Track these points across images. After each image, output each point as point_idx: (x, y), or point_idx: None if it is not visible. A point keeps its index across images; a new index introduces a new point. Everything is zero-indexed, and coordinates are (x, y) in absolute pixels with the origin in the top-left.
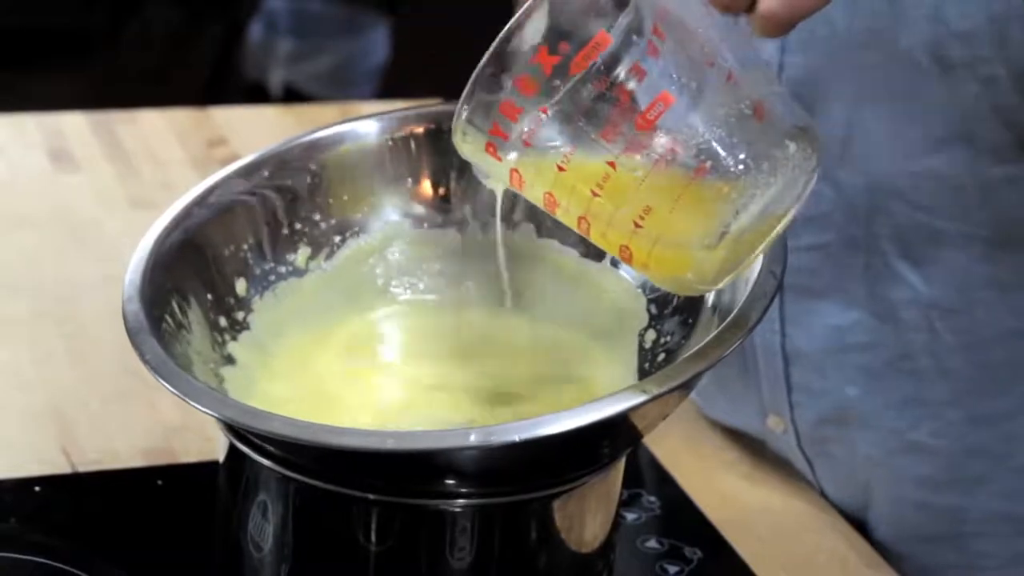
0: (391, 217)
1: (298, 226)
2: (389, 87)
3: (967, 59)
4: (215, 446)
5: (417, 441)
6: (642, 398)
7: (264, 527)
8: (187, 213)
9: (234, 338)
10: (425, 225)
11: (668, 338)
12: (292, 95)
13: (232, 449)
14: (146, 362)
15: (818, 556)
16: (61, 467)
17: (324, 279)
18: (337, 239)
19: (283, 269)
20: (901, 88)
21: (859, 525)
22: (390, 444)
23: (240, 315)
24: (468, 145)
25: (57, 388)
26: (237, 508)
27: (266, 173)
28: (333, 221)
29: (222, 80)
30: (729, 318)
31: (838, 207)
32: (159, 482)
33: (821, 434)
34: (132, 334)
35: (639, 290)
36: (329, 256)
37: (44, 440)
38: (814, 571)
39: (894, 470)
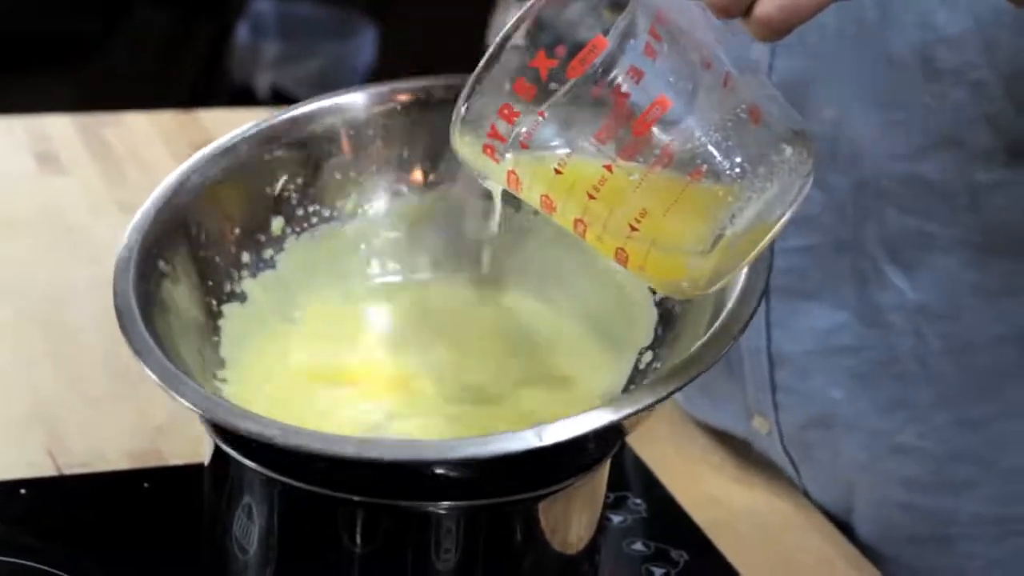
0: (378, 195)
1: (289, 201)
2: None
3: (956, 64)
4: (202, 448)
5: (392, 451)
6: (630, 410)
7: (249, 529)
8: (174, 190)
9: (215, 334)
10: (414, 203)
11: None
12: (280, 98)
13: (217, 451)
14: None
15: (804, 558)
16: (47, 470)
17: (304, 259)
18: (323, 214)
19: (271, 251)
20: (890, 92)
21: (844, 526)
22: (350, 451)
23: (226, 296)
24: (466, 147)
25: (44, 391)
26: (222, 510)
27: (262, 144)
28: (318, 196)
29: (210, 83)
30: (717, 322)
31: (826, 209)
32: (145, 485)
33: (806, 436)
34: (122, 322)
35: (653, 304)
36: (308, 232)
37: (30, 443)
38: (800, 573)
39: (879, 472)
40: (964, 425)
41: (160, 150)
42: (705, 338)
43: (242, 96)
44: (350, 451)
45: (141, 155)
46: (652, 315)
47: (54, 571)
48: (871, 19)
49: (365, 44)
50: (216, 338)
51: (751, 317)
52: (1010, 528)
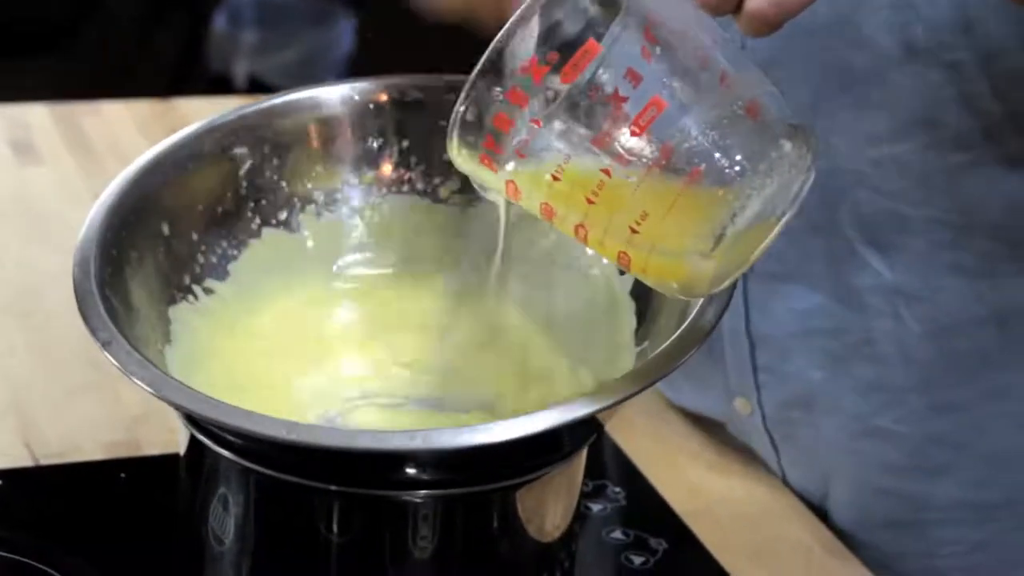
0: (349, 191)
1: (256, 193)
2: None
3: (932, 44)
4: (178, 438)
5: (360, 440)
6: (609, 401)
7: (225, 519)
8: (142, 175)
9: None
10: (390, 195)
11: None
12: (257, 87)
13: (192, 440)
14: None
15: (782, 545)
16: (23, 460)
17: (281, 250)
18: (291, 208)
19: (241, 236)
20: (865, 74)
21: (821, 513)
22: (304, 438)
23: (191, 286)
24: (463, 159)
25: (19, 381)
26: (198, 500)
27: (226, 136)
28: (286, 190)
29: (187, 72)
30: (693, 312)
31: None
32: (122, 475)
33: (787, 416)
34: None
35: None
36: (275, 225)
37: (6, 433)
38: (778, 560)
39: (857, 455)
40: (940, 409)
41: (137, 139)
42: (681, 329)
43: (220, 85)
44: (307, 438)
45: (118, 144)
46: (631, 305)
47: (30, 562)
48: (846, 1)
49: (344, 34)
50: (179, 330)
51: (726, 306)
52: (986, 513)
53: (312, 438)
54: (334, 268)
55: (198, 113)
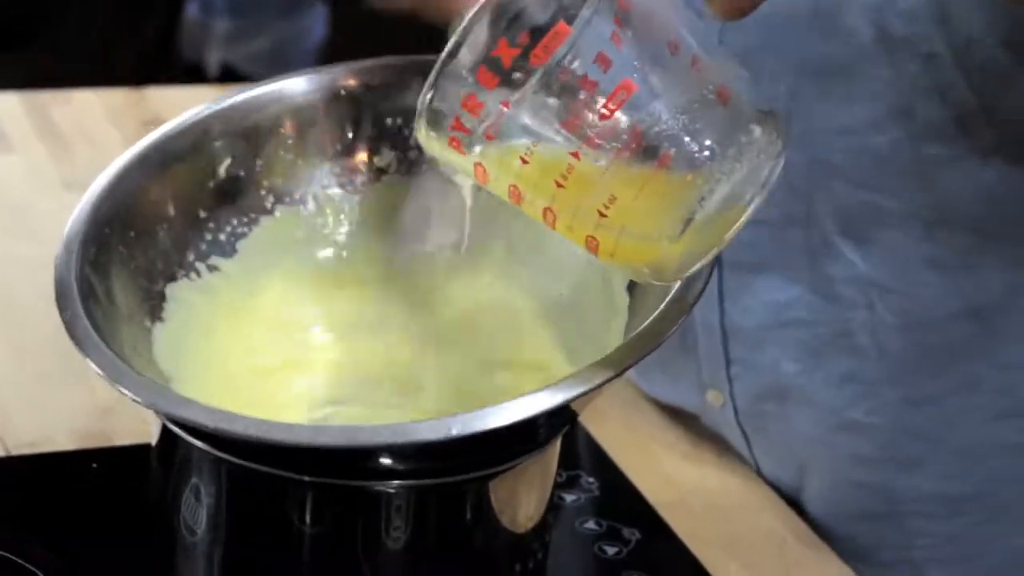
0: (327, 180)
1: (231, 190)
2: None
3: (909, 36)
4: (151, 428)
5: (330, 436)
6: (582, 388)
7: (197, 510)
8: (118, 178)
9: (159, 318)
10: (364, 187)
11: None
12: (230, 75)
13: (165, 431)
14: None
15: (755, 536)
16: None
17: (251, 246)
18: (269, 200)
19: (219, 236)
20: (842, 65)
21: (795, 504)
22: (284, 436)
23: (159, 302)
24: (432, 141)
25: None
26: (170, 490)
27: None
28: (264, 182)
29: (159, 60)
30: (668, 297)
31: (779, 183)
32: (94, 465)
33: (759, 409)
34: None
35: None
36: (254, 218)
37: None
38: (752, 550)
39: (830, 448)
40: (914, 402)
41: (108, 128)
42: (654, 316)
43: (192, 73)
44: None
45: (89, 133)
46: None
47: (1, 552)
48: None
49: (316, 22)
50: (159, 325)
51: (700, 294)
52: (958, 506)
53: (282, 436)
54: (316, 260)
55: (170, 102)
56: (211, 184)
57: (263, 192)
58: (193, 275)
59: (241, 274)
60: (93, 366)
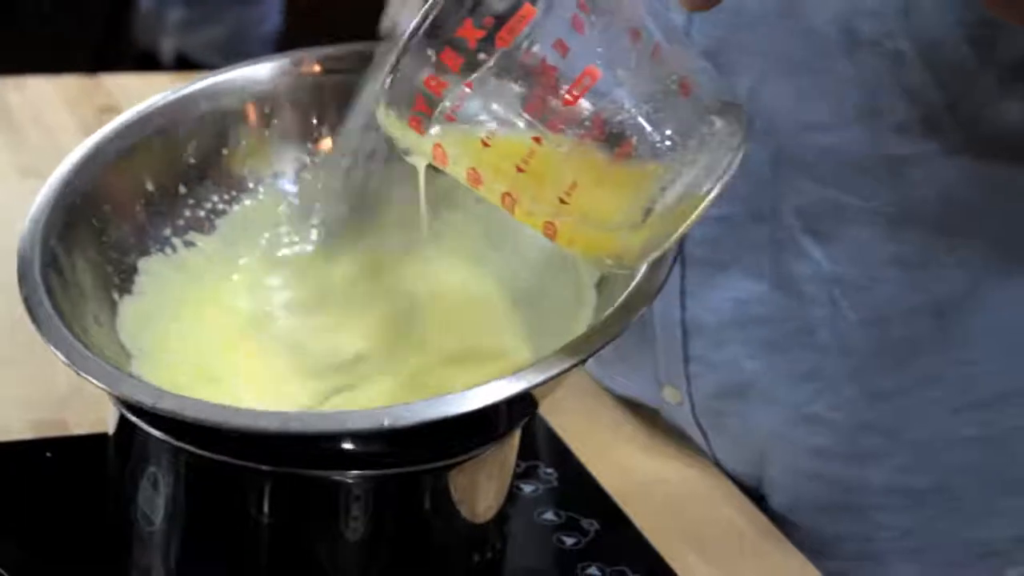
0: (289, 164)
1: (190, 179)
2: None
3: (875, 34)
4: (107, 418)
5: (291, 423)
6: (541, 378)
7: (155, 499)
8: (82, 163)
9: (128, 291)
10: (326, 171)
11: None
12: (184, 63)
13: (122, 420)
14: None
15: (714, 528)
16: None
17: (216, 231)
18: (233, 186)
19: (199, 212)
20: (808, 63)
21: (754, 496)
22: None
23: (129, 275)
24: (392, 121)
25: None
26: (127, 480)
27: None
28: (227, 167)
29: (112, 48)
30: (629, 289)
31: (744, 179)
32: (48, 454)
33: (717, 406)
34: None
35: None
36: (218, 203)
37: None
38: (711, 542)
39: (790, 442)
40: (874, 397)
41: (64, 115)
42: (613, 308)
43: (146, 61)
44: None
45: (44, 120)
46: (592, 278)
47: None
48: None
49: (270, 10)
50: (127, 298)
51: (662, 286)
52: (917, 499)
53: (242, 422)
54: (281, 245)
55: (126, 90)
56: (191, 160)
57: (245, 172)
58: (168, 250)
59: (218, 252)
60: (52, 348)
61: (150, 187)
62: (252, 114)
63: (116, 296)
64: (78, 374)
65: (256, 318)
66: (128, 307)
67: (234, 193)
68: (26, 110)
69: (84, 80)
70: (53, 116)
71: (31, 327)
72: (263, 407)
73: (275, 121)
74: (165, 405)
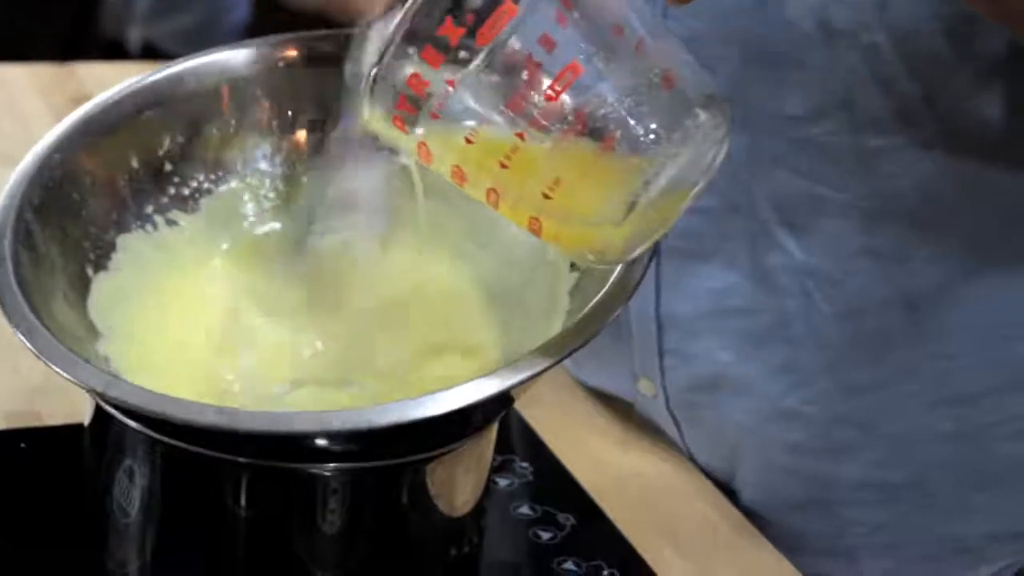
0: (264, 152)
1: (176, 157)
2: None
3: (850, 26)
4: (80, 409)
5: (270, 423)
6: (520, 377)
7: (131, 491)
8: (53, 148)
9: (103, 267)
10: (302, 161)
11: None
12: (151, 53)
13: (98, 411)
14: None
15: (689, 522)
16: None
17: (190, 219)
18: (206, 174)
19: (183, 190)
20: (784, 54)
21: (728, 491)
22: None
23: (107, 252)
24: (376, 120)
25: None
26: (103, 471)
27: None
28: (201, 155)
29: (79, 37)
30: (605, 287)
31: (720, 171)
32: (22, 445)
33: (692, 399)
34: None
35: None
36: (192, 191)
37: None
38: (685, 536)
39: (764, 436)
40: (848, 391)
41: (37, 103)
42: (592, 304)
43: (113, 50)
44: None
45: (17, 107)
46: (568, 274)
47: None
48: None
49: (239, 0)
50: (102, 275)
51: (638, 283)
52: (891, 493)
53: (223, 421)
54: (256, 235)
55: (97, 78)
56: (179, 139)
57: (233, 152)
58: (149, 227)
59: (200, 233)
60: (12, 328)
61: (135, 163)
62: (240, 95)
63: (91, 272)
64: (37, 356)
65: (232, 304)
66: (102, 283)
67: (221, 173)
68: None
69: (56, 68)
70: (26, 104)
71: (2, 319)
72: (236, 392)
73: (264, 103)
74: (114, 393)
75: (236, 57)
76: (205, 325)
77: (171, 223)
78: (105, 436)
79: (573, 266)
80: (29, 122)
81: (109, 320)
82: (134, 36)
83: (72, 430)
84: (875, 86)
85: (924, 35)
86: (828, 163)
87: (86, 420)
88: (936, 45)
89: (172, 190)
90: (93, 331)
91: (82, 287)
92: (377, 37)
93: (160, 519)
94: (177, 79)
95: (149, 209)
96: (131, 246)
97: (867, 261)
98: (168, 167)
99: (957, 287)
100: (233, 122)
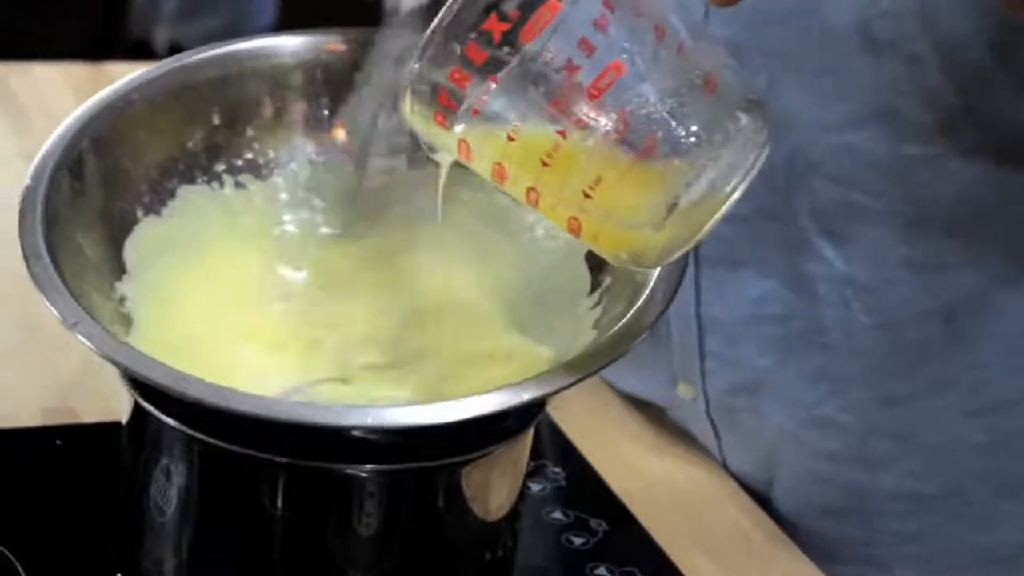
0: (300, 147)
1: (261, 124)
2: None
3: (893, 37)
4: (116, 406)
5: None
6: (556, 386)
7: (167, 490)
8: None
9: (156, 211)
10: (339, 158)
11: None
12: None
13: (136, 407)
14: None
15: (721, 530)
16: None
17: (273, 183)
18: (239, 164)
19: (235, 162)
20: (825, 63)
21: (761, 499)
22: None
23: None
24: (417, 116)
25: None
26: (140, 469)
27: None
28: (234, 145)
29: (107, 38)
30: (645, 292)
31: (759, 178)
32: (58, 442)
33: (731, 402)
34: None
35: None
36: (220, 182)
37: None
38: (718, 543)
39: (800, 443)
40: (884, 401)
41: (68, 102)
42: (631, 313)
43: (140, 51)
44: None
45: (49, 106)
46: (585, 271)
47: None
48: None
49: (265, 2)
50: (152, 218)
51: (676, 290)
52: (925, 504)
53: (266, 411)
54: (286, 231)
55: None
56: (267, 111)
57: (228, 155)
58: (216, 184)
59: (268, 201)
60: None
61: (216, 120)
62: (335, 80)
63: (140, 213)
64: (61, 321)
65: (270, 285)
66: (149, 226)
67: (299, 154)
68: (31, 96)
69: (88, 68)
70: (58, 103)
71: (39, 314)
72: (258, 376)
73: (283, 103)
74: (152, 374)
75: (331, 40)
76: (237, 296)
77: (240, 186)
78: (143, 434)
79: (594, 269)
80: (60, 121)
81: (142, 263)
82: (161, 38)
83: (108, 428)
84: (916, 96)
85: (967, 46)
86: (867, 171)
87: (124, 418)
88: (978, 56)
89: (249, 155)
90: (119, 269)
91: (126, 225)
92: (409, 34)
93: (196, 518)
94: (273, 51)
95: (220, 167)
96: (191, 198)
97: (906, 270)
98: (251, 132)
99: (994, 295)
100: (325, 101)
